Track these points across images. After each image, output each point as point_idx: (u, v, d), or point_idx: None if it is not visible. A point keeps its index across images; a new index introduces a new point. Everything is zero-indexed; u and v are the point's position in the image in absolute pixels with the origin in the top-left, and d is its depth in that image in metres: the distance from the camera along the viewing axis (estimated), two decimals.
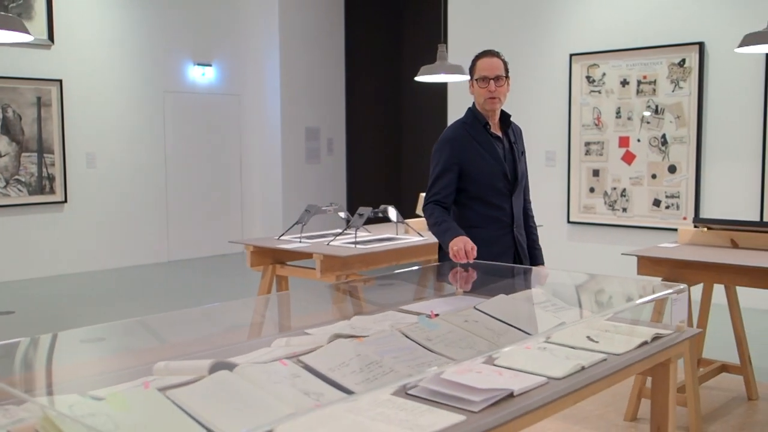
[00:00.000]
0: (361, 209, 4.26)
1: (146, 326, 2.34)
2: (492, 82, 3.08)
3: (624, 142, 7.15)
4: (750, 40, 3.87)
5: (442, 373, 1.79)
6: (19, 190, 8.02)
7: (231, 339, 2.27)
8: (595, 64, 7.27)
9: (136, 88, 8.92)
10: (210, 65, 9.60)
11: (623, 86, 7.11)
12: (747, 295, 5.88)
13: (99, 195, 8.62)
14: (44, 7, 8.08)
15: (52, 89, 8.20)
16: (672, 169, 6.87)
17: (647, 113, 6.92)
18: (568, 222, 7.51)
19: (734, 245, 3.99)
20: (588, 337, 2.21)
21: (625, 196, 7.18)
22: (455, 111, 8.39)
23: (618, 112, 7.16)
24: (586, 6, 7.32)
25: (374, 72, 10.79)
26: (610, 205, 7.27)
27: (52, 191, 8.26)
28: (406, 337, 2.12)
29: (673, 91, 6.80)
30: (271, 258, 4.33)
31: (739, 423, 3.89)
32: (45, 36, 8.11)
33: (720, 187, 6.63)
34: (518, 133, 3.36)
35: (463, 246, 2.85)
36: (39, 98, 8.11)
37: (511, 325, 2.29)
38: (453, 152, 3.13)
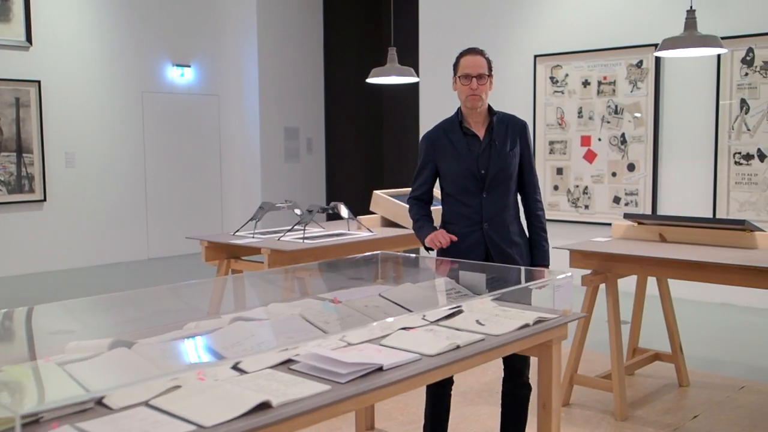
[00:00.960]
0: (311, 206, 4.46)
1: (75, 309, 2.53)
2: (474, 79, 3.08)
3: (586, 141, 7.35)
4: (667, 44, 4.07)
5: (321, 351, 1.99)
6: None
7: (153, 322, 2.45)
8: (558, 65, 7.47)
9: (114, 89, 9.10)
10: (188, 66, 9.78)
11: (585, 87, 7.31)
12: (687, 288, 6.10)
13: (78, 193, 8.81)
14: (22, 9, 8.26)
15: (31, 90, 8.38)
16: (631, 167, 7.07)
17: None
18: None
19: (662, 239, 4.19)
20: (477, 321, 2.40)
21: (587, 193, 7.38)
22: (427, 110, 8.59)
23: (580, 112, 7.36)
24: (549, 8, 7.52)
25: (353, 71, 10.97)
26: (573, 203, 7.47)
27: (31, 190, 8.45)
28: (306, 320, 2.31)
29: (631, 91, 7.00)
30: (226, 253, 4.52)
31: (665, 408, 4.08)
32: (23, 38, 8.29)
33: (676, 184, 6.83)
34: (514, 129, 3.18)
35: (434, 236, 3.06)
36: (17, 99, 8.29)
37: (408, 310, 2.48)
38: (428, 150, 3.19)
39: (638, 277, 4.47)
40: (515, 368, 3.10)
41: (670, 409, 4.06)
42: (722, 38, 6.34)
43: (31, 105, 8.39)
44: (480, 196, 3.09)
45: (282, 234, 4.48)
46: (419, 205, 3.25)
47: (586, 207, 7.36)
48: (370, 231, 4.65)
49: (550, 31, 7.53)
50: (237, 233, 4.61)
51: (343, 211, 4.65)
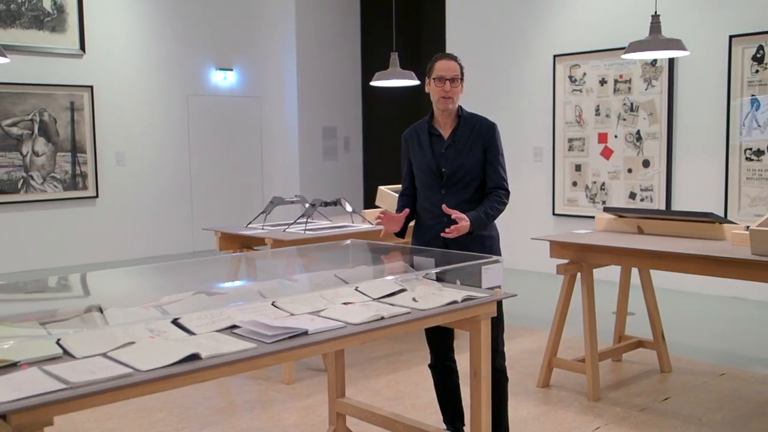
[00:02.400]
0: (314, 200, 4.85)
1: (82, 281, 2.97)
2: (448, 82, 3.27)
3: (603, 138, 7.55)
4: (633, 47, 4.30)
5: (261, 318, 2.36)
6: (55, 186, 8.86)
7: (136, 295, 2.86)
8: (576, 65, 7.69)
9: (161, 93, 9.69)
10: (231, 69, 10.31)
11: (602, 85, 7.51)
12: (699, 282, 6.29)
13: (127, 190, 9.42)
14: (76, 21, 8.90)
15: (84, 95, 9.01)
16: (646, 163, 7.24)
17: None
18: (553, 214, 7.93)
19: (640, 231, 4.43)
20: (413, 299, 2.74)
21: (604, 189, 7.58)
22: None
23: (597, 110, 7.56)
24: (568, 9, 7.74)
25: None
26: (591, 198, 7.68)
27: (84, 187, 9.09)
28: (261, 295, 2.70)
29: (646, 89, 7.18)
30: (238, 243, 4.95)
31: (639, 390, 4.33)
32: (77, 47, 8.93)
33: (689, 180, 6.98)
34: (480, 130, 3.36)
35: (379, 216, 3.38)
36: (72, 103, 8.94)
37: (357, 289, 2.84)
38: (404, 148, 3.51)
39: (621, 268, 4.72)
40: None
41: (644, 392, 4.31)
42: (733, 36, 6.53)
43: (84, 108, 9.03)
44: (440, 192, 3.33)
45: (287, 226, 4.88)
46: (403, 199, 3.55)
47: (604, 202, 7.56)
48: (371, 223, 5.01)
49: (568, 31, 7.75)
50: (249, 225, 5.03)
51: (346, 206, 5.02)
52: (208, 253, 9.75)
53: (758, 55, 6.45)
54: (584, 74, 7.64)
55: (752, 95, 6.49)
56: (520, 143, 8.17)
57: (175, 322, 2.38)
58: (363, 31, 11.20)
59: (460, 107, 3.41)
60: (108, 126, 9.22)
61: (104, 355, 2.08)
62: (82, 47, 8.96)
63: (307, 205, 5.20)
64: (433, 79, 3.33)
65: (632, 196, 7.35)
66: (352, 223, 5.14)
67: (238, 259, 3.43)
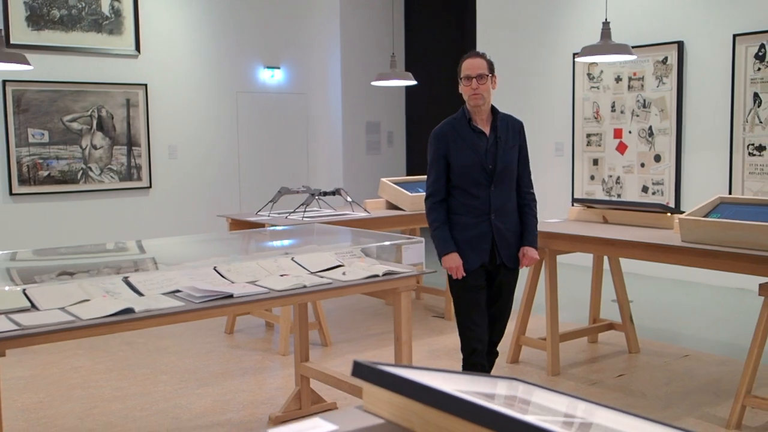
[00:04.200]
0: (313, 190, 5.34)
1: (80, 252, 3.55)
2: (474, 80, 3.33)
3: (618, 133, 7.79)
4: (586, 51, 4.62)
5: (197, 284, 2.87)
6: (112, 177, 9.65)
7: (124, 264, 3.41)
8: (594, 63, 7.93)
9: (211, 90, 10.37)
10: (278, 68, 10.91)
11: (617, 82, 7.74)
12: (704, 274, 6.50)
13: (179, 182, 10.14)
14: (132, 23, 9.65)
15: (139, 92, 9.77)
16: (657, 158, 7.46)
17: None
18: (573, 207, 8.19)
19: (605, 221, 4.76)
20: (343, 273, 3.20)
21: (619, 183, 7.82)
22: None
23: (613, 106, 7.80)
24: (586, 9, 7.99)
25: (432, 66, 11.74)
26: (607, 192, 7.93)
27: (139, 178, 9.85)
28: (215, 270, 3.20)
29: (657, 86, 7.39)
30: (245, 228, 5.48)
31: (599, 368, 4.66)
32: (133, 48, 9.68)
33: (697, 174, 7.16)
34: (514, 128, 3.50)
35: (455, 267, 3.38)
36: (128, 100, 9.70)
37: (300, 265, 3.31)
38: (440, 146, 3.44)
39: (594, 255, 5.04)
40: (492, 342, 3.62)
41: (603, 369, 4.64)
42: (736, 35, 6.69)
43: (139, 105, 9.78)
44: (488, 188, 3.40)
45: (288, 213, 5.40)
46: (438, 208, 3.46)
47: (619, 196, 7.80)
48: (368, 212, 5.47)
49: (586, 30, 7.99)
50: (258, 213, 5.57)
51: (346, 196, 5.50)
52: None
53: (760, 53, 6.59)
54: (601, 72, 7.88)
55: (754, 92, 6.64)
56: (544, 138, 8.47)
57: (130, 285, 2.91)
58: (406, 28, 11.64)
59: (492, 105, 3.48)
60: (161, 121, 9.95)
61: (63, 309, 2.63)
62: (138, 48, 9.70)
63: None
64: (461, 78, 3.43)
65: (645, 189, 7.58)
66: (352, 211, 5.61)
67: (225, 238, 3.97)
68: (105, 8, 9.55)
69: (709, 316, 6.10)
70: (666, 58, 7.27)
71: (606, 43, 4.56)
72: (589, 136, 8.07)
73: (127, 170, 9.74)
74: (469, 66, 3.40)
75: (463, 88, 3.42)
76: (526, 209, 3.57)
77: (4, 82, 8.92)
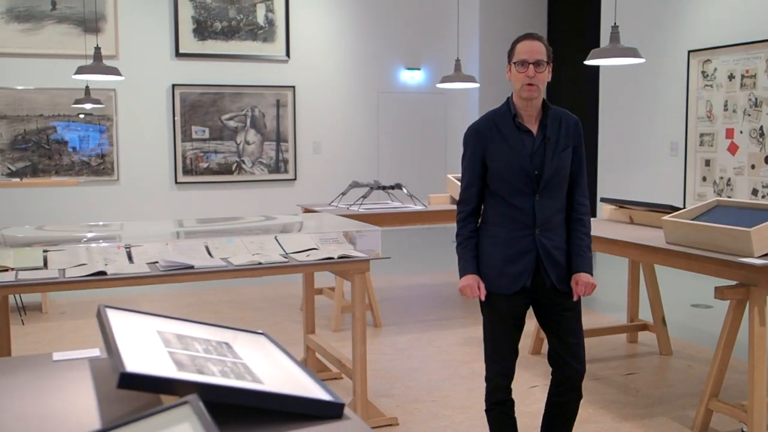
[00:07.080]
0: (373, 183, 5.86)
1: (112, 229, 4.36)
2: (531, 66, 2.80)
3: (729, 133, 7.50)
4: (594, 55, 4.65)
5: (169, 256, 3.52)
6: (262, 170, 10.75)
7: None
8: (708, 60, 7.69)
9: (354, 90, 11.16)
10: (419, 69, 11.47)
11: (730, 80, 7.46)
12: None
13: (322, 175, 11.04)
14: (284, 31, 10.67)
15: (288, 93, 10.78)
16: (767, 160, 7.10)
17: None
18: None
19: (631, 221, 4.82)
20: (307, 255, 3.71)
21: (729, 185, 7.53)
22: (608, 95, 9.21)
23: (725, 105, 7.52)
24: (702, 6, 7.75)
25: (572, 64, 11.70)
26: (718, 194, 7.65)
27: (285, 171, 10.87)
28: (206, 247, 3.84)
29: None
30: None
31: (613, 365, 4.74)
32: (283, 53, 10.70)
33: None
34: (568, 126, 2.91)
35: (468, 285, 2.88)
36: (278, 100, 10.74)
37: (280, 245, 3.86)
38: (477, 145, 2.93)
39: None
40: (572, 384, 2.94)
41: (616, 367, 4.73)
42: None
43: (288, 105, 10.79)
44: (533, 198, 2.83)
45: (350, 204, 5.95)
46: (466, 221, 2.96)
47: (729, 198, 7.50)
48: (424, 205, 5.89)
49: (701, 27, 7.76)
50: (330, 204, 6.17)
51: (404, 190, 5.96)
52: (394, 233, 11.06)
53: None
54: (715, 69, 7.62)
55: None
56: (657, 137, 8.31)
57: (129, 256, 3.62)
58: (549, 27, 11.70)
59: (544, 99, 2.92)
60: (307, 119, 10.89)
61: (62, 270, 3.38)
62: (287, 54, 10.70)
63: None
64: (514, 63, 2.87)
65: (754, 192, 7.25)
66: (414, 205, 6.05)
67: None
68: (260, 19, 10.64)
69: None
70: None
71: (614, 47, 4.61)
72: (701, 135, 7.82)
73: (276, 163, 10.78)
74: (526, 49, 2.83)
75: (515, 75, 2.86)
76: (576, 225, 2.91)
77: (173, 86, 10.28)
